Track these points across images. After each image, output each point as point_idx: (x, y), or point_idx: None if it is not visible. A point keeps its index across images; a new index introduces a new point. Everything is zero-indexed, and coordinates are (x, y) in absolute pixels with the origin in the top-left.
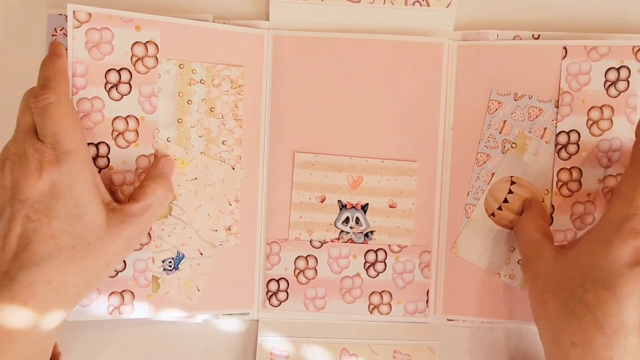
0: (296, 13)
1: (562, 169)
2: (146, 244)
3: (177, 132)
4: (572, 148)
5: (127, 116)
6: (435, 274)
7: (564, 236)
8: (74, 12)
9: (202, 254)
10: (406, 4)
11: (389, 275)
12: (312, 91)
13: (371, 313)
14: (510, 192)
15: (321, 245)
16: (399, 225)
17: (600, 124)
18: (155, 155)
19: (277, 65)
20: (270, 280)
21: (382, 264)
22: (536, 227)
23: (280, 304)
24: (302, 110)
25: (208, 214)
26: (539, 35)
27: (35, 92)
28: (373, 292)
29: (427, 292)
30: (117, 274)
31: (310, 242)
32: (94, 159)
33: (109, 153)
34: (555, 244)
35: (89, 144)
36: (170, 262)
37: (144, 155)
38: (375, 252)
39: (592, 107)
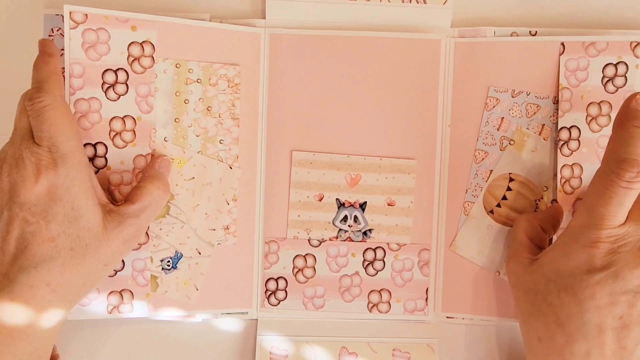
0: (293, 11)
1: (564, 165)
2: (144, 244)
3: (174, 132)
4: (573, 144)
5: (124, 116)
6: (435, 272)
7: None
8: (70, 12)
9: (200, 254)
10: (403, 1)
11: (388, 274)
12: (309, 89)
13: (370, 311)
14: (508, 189)
15: (320, 244)
16: (398, 223)
17: (599, 119)
18: (152, 155)
19: (274, 64)
20: (268, 280)
21: (381, 262)
22: (527, 228)
23: (279, 303)
24: (299, 109)
25: (206, 213)
26: (536, 32)
27: (30, 94)
28: (372, 291)
29: (427, 290)
30: (115, 274)
31: (309, 240)
32: (92, 159)
33: (106, 153)
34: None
35: (86, 144)
36: (169, 261)
37: (142, 155)
38: (374, 250)
39: (591, 103)
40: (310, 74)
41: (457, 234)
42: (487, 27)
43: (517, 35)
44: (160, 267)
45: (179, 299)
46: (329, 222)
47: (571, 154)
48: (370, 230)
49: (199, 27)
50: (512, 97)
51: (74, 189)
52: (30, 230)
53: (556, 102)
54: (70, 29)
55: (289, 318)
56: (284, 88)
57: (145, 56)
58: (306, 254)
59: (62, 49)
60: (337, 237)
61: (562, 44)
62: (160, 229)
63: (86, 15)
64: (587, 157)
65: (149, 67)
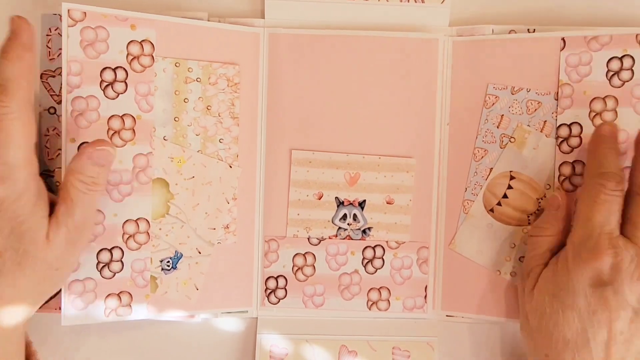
0: (291, 11)
1: (564, 162)
2: (144, 244)
3: (174, 131)
4: (574, 141)
5: (123, 115)
6: (434, 270)
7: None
8: (68, 10)
9: (200, 253)
10: (401, 1)
11: (387, 272)
12: (308, 89)
13: (370, 309)
14: (509, 187)
15: (319, 242)
16: (397, 222)
17: (604, 115)
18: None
19: (273, 63)
20: (268, 278)
21: (380, 260)
22: (549, 241)
23: (279, 302)
24: (298, 108)
25: (206, 213)
26: (534, 29)
27: None
28: (371, 289)
29: (425, 287)
30: (114, 275)
31: (308, 239)
32: None
33: None
34: None
35: (83, 143)
36: (169, 261)
37: (142, 154)
38: (373, 248)
39: (595, 99)
40: (309, 74)
41: (457, 233)
42: (485, 25)
43: (515, 33)
44: (160, 268)
45: (179, 299)
46: (329, 221)
47: (571, 151)
48: (369, 228)
49: (198, 27)
50: (512, 94)
51: (21, 203)
52: None
53: (557, 98)
54: (69, 26)
55: (288, 316)
56: (283, 87)
57: (145, 55)
58: (306, 253)
59: (60, 49)
60: (336, 236)
61: (563, 39)
62: (160, 229)
63: (84, 13)
64: None
65: (148, 66)
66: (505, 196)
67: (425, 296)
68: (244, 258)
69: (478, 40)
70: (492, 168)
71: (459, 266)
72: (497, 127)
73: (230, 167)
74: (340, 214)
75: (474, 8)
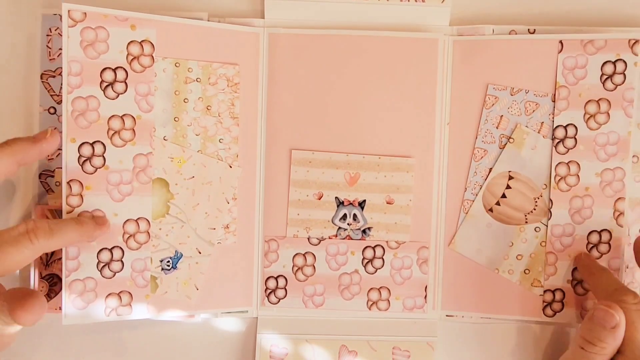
0: (291, 11)
1: (559, 163)
2: (144, 243)
3: (174, 131)
4: (569, 142)
5: (123, 115)
6: (434, 270)
7: (562, 230)
8: (69, 11)
9: (200, 253)
10: (401, 0)
11: (387, 272)
12: (308, 88)
13: (370, 309)
14: (508, 187)
15: (319, 242)
16: (397, 222)
17: (597, 117)
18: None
19: (272, 63)
20: (268, 278)
21: (380, 260)
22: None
23: (279, 302)
24: (298, 108)
25: (206, 213)
26: (535, 29)
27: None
28: (371, 289)
29: (425, 287)
30: (114, 275)
31: (308, 239)
32: (89, 158)
33: (104, 152)
34: (554, 238)
35: (84, 143)
36: (169, 261)
37: (142, 154)
38: (373, 248)
39: (589, 101)
40: (309, 73)
41: (457, 232)
42: (486, 25)
43: (516, 33)
44: (160, 268)
45: (179, 299)
46: (329, 221)
47: (567, 151)
48: (369, 228)
49: (198, 27)
50: (511, 95)
51: None
52: None
53: (554, 100)
54: (69, 27)
55: (288, 316)
56: (283, 87)
57: (145, 55)
58: (306, 253)
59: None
60: (336, 236)
61: (560, 42)
62: (160, 229)
63: (85, 13)
64: (584, 154)
65: (148, 66)
66: (504, 196)
67: (425, 296)
68: (244, 258)
69: (478, 40)
70: (491, 168)
71: (458, 266)
72: (497, 128)
73: (230, 167)
74: (340, 214)
75: (474, 8)
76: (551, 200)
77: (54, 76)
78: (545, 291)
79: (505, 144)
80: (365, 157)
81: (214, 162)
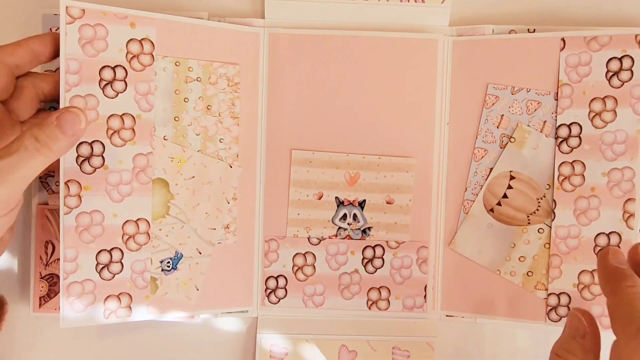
0: (291, 11)
1: (563, 162)
2: (144, 244)
3: (174, 130)
4: (573, 141)
5: (123, 114)
6: (434, 270)
7: (567, 232)
8: (67, 7)
9: (200, 253)
10: (401, 1)
11: (387, 271)
12: (308, 89)
13: (369, 309)
14: (509, 187)
15: (319, 242)
16: (397, 221)
17: (603, 115)
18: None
19: (273, 63)
20: (268, 278)
21: (380, 260)
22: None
23: (279, 301)
24: (298, 108)
25: (206, 213)
26: (534, 29)
27: None
28: (371, 288)
29: (425, 287)
30: (113, 277)
31: (308, 239)
32: (88, 158)
33: (103, 152)
34: (558, 240)
35: (82, 142)
36: (169, 262)
37: (142, 154)
38: (373, 248)
39: (594, 99)
40: (309, 74)
41: (457, 232)
42: (486, 25)
43: (516, 33)
44: (160, 269)
45: (179, 300)
46: (329, 221)
47: (571, 151)
48: (369, 228)
49: (199, 26)
50: (512, 94)
51: None
52: None
53: (557, 98)
54: (67, 24)
55: (288, 316)
56: (283, 87)
57: (145, 54)
58: (306, 252)
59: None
60: (336, 235)
61: (563, 39)
62: (160, 230)
63: (83, 10)
64: (589, 154)
65: (148, 65)
66: (505, 196)
67: (425, 296)
68: (244, 258)
69: (478, 40)
70: (492, 168)
71: (458, 266)
72: (497, 127)
73: (231, 167)
74: (340, 214)
75: (474, 8)
76: (555, 201)
77: None
78: (549, 294)
79: (506, 144)
80: (365, 157)
81: (214, 162)
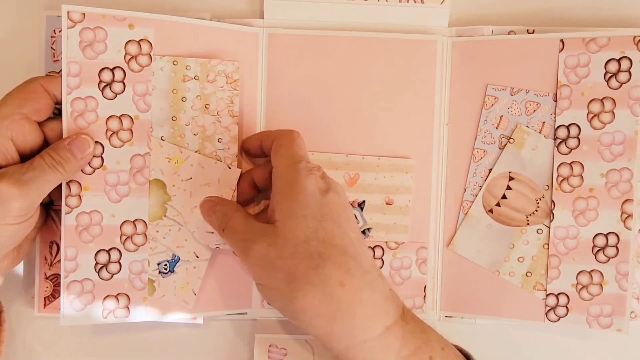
0: (291, 11)
1: (562, 163)
2: (142, 245)
3: (172, 131)
4: (572, 142)
5: (121, 115)
6: (433, 271)
7: (566, 232)
8: (68, 12)
9: (198, 257)
10: (400, 1)
11: (386, 272)
12: (307, 89)
13: None
14: (508, 188)
15: None
16: (396, 222)
17: (602, 116)
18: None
19: (272, 64)
20: None
21: (380, 260)
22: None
23: None
24: (298, 109)
25: None
26: (534, 30)
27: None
28: None
29: (424, 288)
30: (112, 277)
31: None
32: None
33: (103, 153)
34: (557, 240)
35: None
36: (166, 265)
37: (139, 155)
38: (373, 249)
39: (593, 100)
40: (309, 74)
41: (456, 233)
42: (485, 26)
43: (515, 34)
44: (157, 271)
45: (177, 303)
46: None
47: (570, 152)
48: (368, 229)
49: (197, 26)
50: (511, 95)
51: None
52: None
53: (556, 99)
54: (68, 28)
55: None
56: (282, 88)
57: (143, 54)
58: None
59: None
60: None
61: (562, 40)
62: (157, 231)
63: (84, 14)
64: (588, 155)
65: (146, 65)
66: (504, 197)
67: (425, 296)
68: None
69: (477, 41)
70: (491, 169)
71: (458, 267)
72: (496, 128)
73: (229, 168)
74: None
75: (474, 9)
76: (553, 202)
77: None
78: (548, 295)
79: (505, 145)
80: (365, 157)
81: (212, 162)
